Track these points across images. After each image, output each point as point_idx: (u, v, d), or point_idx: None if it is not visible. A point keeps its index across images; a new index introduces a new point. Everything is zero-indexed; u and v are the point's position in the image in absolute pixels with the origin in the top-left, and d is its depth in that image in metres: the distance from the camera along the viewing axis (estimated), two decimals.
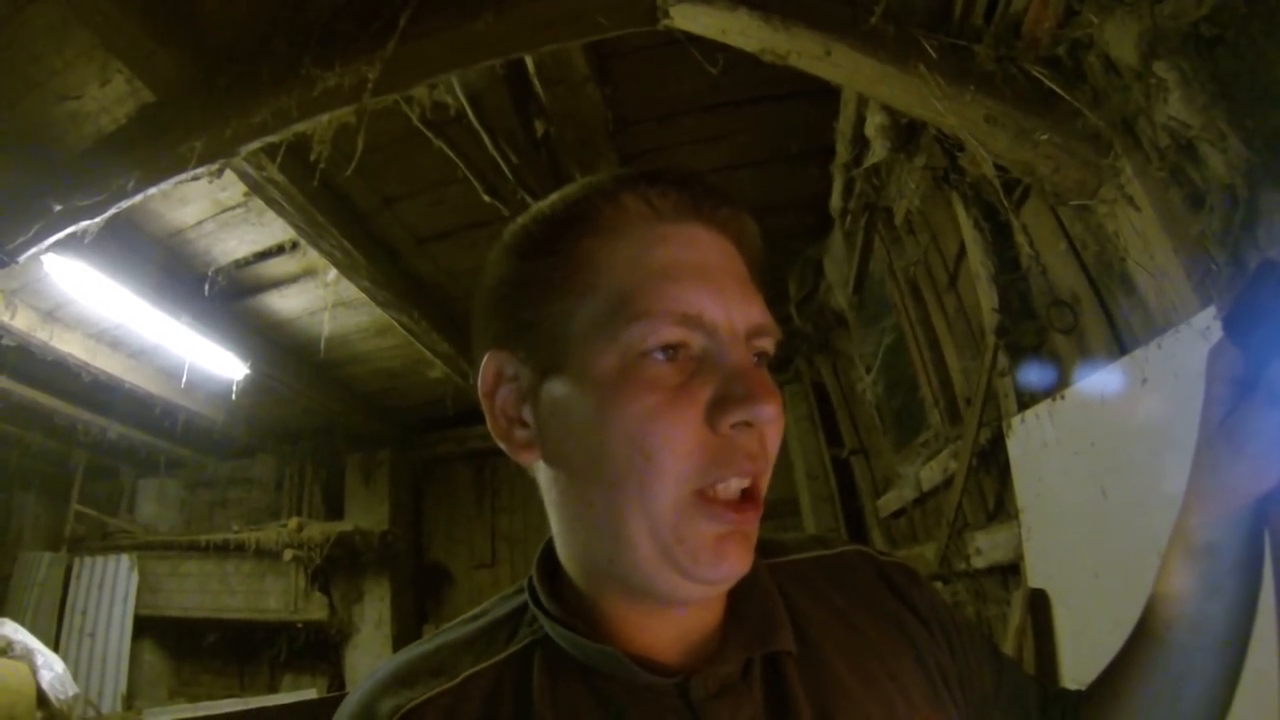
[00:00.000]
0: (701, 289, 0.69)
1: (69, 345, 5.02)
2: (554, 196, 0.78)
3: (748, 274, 0.76)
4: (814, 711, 0.72)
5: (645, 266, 0.70)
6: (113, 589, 7.09)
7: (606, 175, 0.77)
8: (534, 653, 0.75)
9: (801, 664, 0.76)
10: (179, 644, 7.49)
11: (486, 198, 3.59)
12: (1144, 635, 0.85)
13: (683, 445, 0.66)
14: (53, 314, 4.84)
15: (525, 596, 0.80)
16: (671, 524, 0.67)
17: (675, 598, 0.72)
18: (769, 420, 0.68)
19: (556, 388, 0.72)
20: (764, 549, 0.86)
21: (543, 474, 0.77)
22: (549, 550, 0.81)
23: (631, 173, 0.75)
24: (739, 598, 0.79)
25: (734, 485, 0.68)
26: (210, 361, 5.23)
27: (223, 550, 7.28)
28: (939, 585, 3.33)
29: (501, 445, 0.77)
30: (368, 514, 7.39)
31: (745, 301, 0.71)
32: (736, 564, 0.68)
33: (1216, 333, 1.54)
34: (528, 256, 0.75)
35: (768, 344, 0.73)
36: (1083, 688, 0.91)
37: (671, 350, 0.68)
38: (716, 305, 0.69)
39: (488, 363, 0.76)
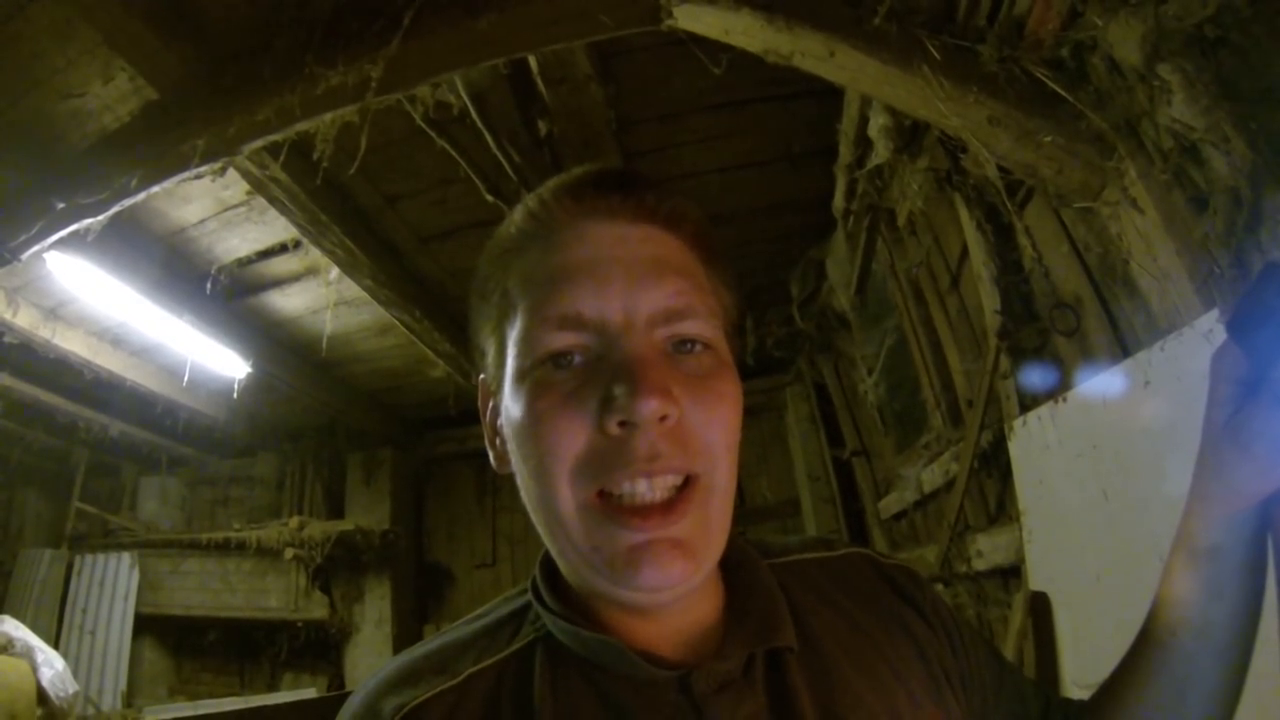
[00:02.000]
0: (579, 289, 0.69)
1: (71, 343, 5.03)
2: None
3: (667, 255, 0.74)
4: (816, 707, 0.72)
5: (536, 278, 0.73)
6: (113, 587, 7.08)
7: (526, 195, 0.80)
8: (536, 650, 0.75)
9: (804, 660, 0.76)
10: (179, 642, 7.48)
11: (489, 197, 3.59)
12: (1147, 640, 0.84)
13: (570, 450, 0.67)
14: (55, 312, 4.84)
15: (528, 597, 0.81)
16: (582, 531, 0.68)
17: (625, 602, 0.72)
18: (646, 417, 0.64)
19: (501, 404, 0.76)
20: (766, 549, 0.88)
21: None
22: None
23: (540, 189, 0.78)
24: (741, 593, 0.79)
25: (642, 489, 0.66)
26: (212, 360, 5.23)
27: (223, 549, 7.27)
28: (940, 588, 3.33)
29: (490, 458, 0.82)
30: (369, 513, 7.38)
31: (643, 288, 0.70)
32: (656, 573, 0.66)
33: (1219, 335, 1.54)
34: (472, 290, 0.82)
35: (690, 328, 0.71)
36: (1085, 695, 0.91)
37: (563, 357, 0.69)
38: (597, 302, 0.69)
39: (480, 386, 0.83)
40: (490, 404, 0.81)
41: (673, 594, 0.70)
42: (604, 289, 0.69)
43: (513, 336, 0.72)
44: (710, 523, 0.70)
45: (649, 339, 0.69)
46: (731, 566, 0.82)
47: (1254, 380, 0.72)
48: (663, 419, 0.66)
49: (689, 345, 0.71)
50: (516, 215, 0.78)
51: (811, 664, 0.76)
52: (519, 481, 0.75)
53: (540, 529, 0.74)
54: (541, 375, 0.69)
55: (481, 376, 0.83)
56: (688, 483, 0.68)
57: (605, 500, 0.67)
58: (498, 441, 0.80)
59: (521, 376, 0.70)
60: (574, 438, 0.67)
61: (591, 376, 0.68)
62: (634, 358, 0.67)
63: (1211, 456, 0.76)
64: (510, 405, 0.72)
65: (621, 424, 0.65)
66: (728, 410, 0.71)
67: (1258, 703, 0.86)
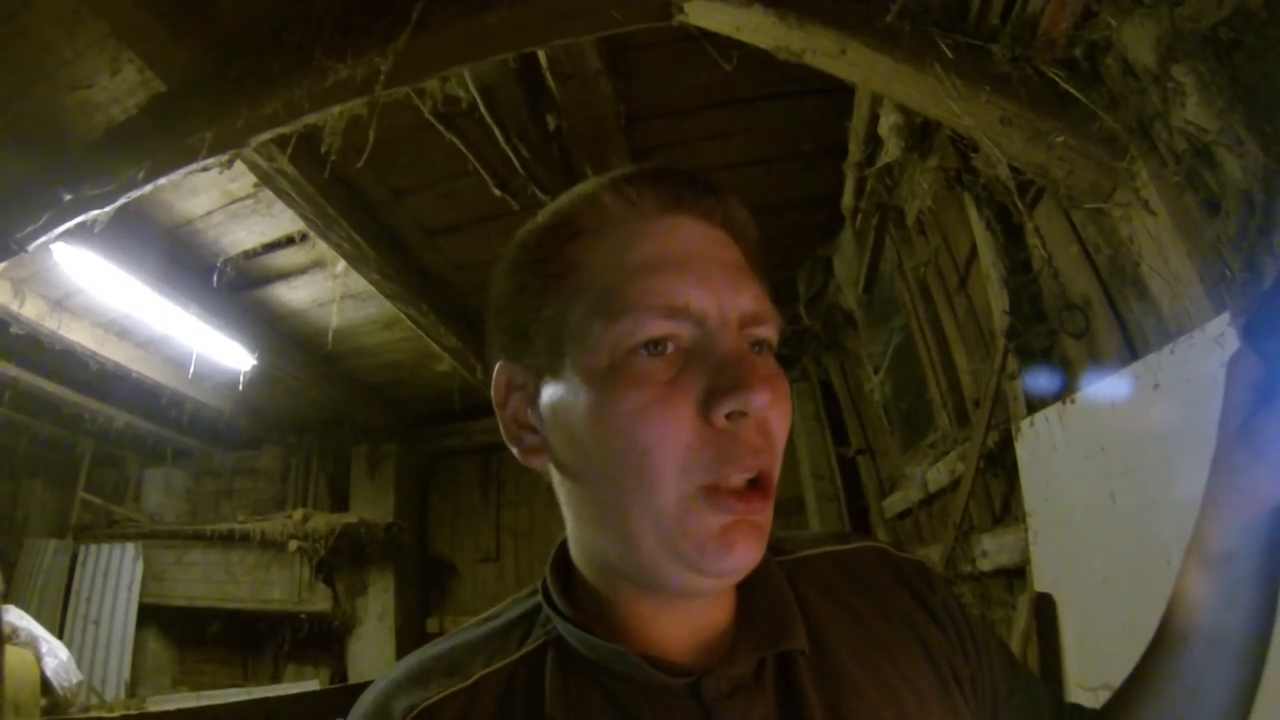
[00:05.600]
0: (684, 279, 0.69)
1: (77, 334, 5.04)
2: (546, 208, 0.80)
3: (740, 261, 0.75)
4: (826, 711, 0.72)
5: (628, 263, 0.71)
6: (118, 577, 7.12)
7: (591, 180, 0.78)
8: (546, 653, 0.75)
9: (814, 663, 0.75)
10: (183, 633, 7.51)
11: (497, 192, 3.59)
12: (1159, 646, 0.83)
13: (677, 440, 0.66)
14: (61, 303, 4.86)
15: (539, 598, 0.80)
16: (676, 518, 0.67)
17: (686, 591, 0.72)
18: (763, 407, 0.66)
19: (556, 391, 0.72)
20: (777, 547, 0.86)
21: (554, 476, 0.78)
22: (562, 552, 0.82)
23: (614, 173, 0.76)
24: (751, 596, 0.78)
25: (738, 477, 0.67)
26: (218, 352, 5.24)
27: (228, 540, 7.30)
28: None
29: (514, 452, 0.79)
30: (373, 506, 7.40)
31: (734, 289, 0.70)
32: (745, 554, 0.67)
33: (1230, 339, 1.54)
34: (521, 268, 0.77)
35: (765, 331, 0.72)
36: (1089, 698, 0.90)
37: (658, 345, 0.68)
38: (702, 294, 0.69)
39: (499, 374, 0.79)
40: (519, 394, 0.78)
41: (740, 577, 0.71)
42: (706, 283, 0.69)
43: (596, 320, 0.69)
44: (771, 513, 0.71)
45: (740, 336, 0.70)
46: None
47: (1269, 385, 0.71)
48: (767, 410, 0.67)
49: (759, 347, 0.72)
50: (603, 197, 0.75)
51: (821, 666, 0.76)
52: (572, 474, 0.74)
53: (600, 523, 0.73)
54: (634, 363, 0.68)
55: (500, 363, 0.79)
56: (761, 473, 0.69)
57: (704, 490, 0.67)
58: (526, 435, 0.77)
59: (608, 362, 0.68)
60: (680, 428, 0.66)
61: (688, 367, 0.68)
62: (736, 352, 0.68)
63: (1225, 461, 0.75)
64: (584, 392, 0.69)
65: (729, 415, 0.66)
66: (790, 410, 0.73)
67: (1272, 712, 0.85)
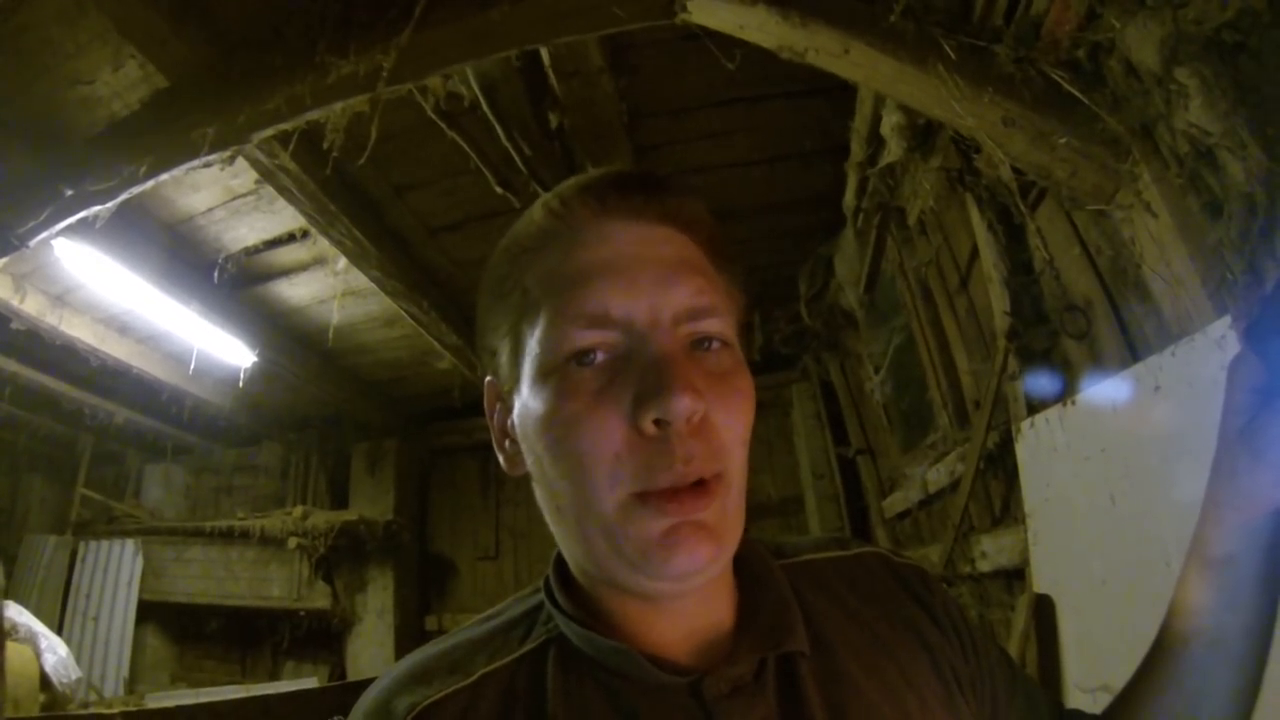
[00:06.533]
0: (607, 286, 0.70)
1: (78, 330, 5.04)
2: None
3: (682, 254, 0.75)
4: (827, 712, 0.72)
5: (560, 276, 0.72)
6: (117, 573, 7.12)
7: (542, 196, 0.80)
8: (548, 651, 0.76)
9: (815, 665, 0.76)
10: (182, 629, 7.51)
11: (499, 189, 3.58)
12: (1160, 650, 0.83)
13: (606, 450, 0.67)
14: (62, 298, 4.85)
15: (541, 596, 0.81)
16: (618, 523, 0.67)
17: (648, 594, 0.72)
18: (686, 413, 0.65)
19: (519, 403, 0.75)
20: (778, 550, 0.88)
21: (533, 484, 0.79)
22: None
23: (560, 187, 0.78)
24: (753, 597, 0.79)
25: (668, 483, 0.67)
26: (218, 348, 5.24)
27: (227, 537, 7.30)
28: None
29: (500, 460, 0.81)
30: (372, 503, 7.39)
31: (666, 287, 0.70)
32: (689, 558, 0.66)
33: (1231, 342, 1.54)
34: (485, 289, 0.81)
35: (710, 325, 0.72)
36: (1087, 699, 0.90)
37: (586, 355, 0.69)
38: (626, 299, 0.69)
39: (488, 387, 0.83)
40: (499, 406, 0.81)
41: (698, 580, 0.70)
42: (631, 287, 0.70)
43: (534, 335, 0.71)
44: (729, 511, 0.70)
45: (673, 336, 0.70)
46: (744, 568, 0.82)
47: (1270, 388, 0.71)
48: (692, 416, 0.66)
49: (708, 343, 0.72)
50: (536, 214, 0.77)
51: (822, 668, 0.76)
52: (537, 481, 0.76)
53: (564, 528, 0.75)
54: (567, 374, 0.69)
55: (489, 379, 0.82)
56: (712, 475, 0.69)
57: (638, 497, 0.67)
58: (507, 444, 0.80)
59: (545, 375, 0.70)
60: (609, 436, 0.67)
61: (619, 374, 0.68)
62: (663, 356, 0.68)
63: (1226, 464, 0.75)
64: (531, 405, 0.71)
65: (656, 422, 0.65)
66: (745, 407, 0.72)
67: (1273, 716, 0.85)
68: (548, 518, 0.77)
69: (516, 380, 0.75)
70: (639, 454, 0.66)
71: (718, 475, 0.68)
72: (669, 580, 0.69)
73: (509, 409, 0.78)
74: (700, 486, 0.67)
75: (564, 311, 0.69)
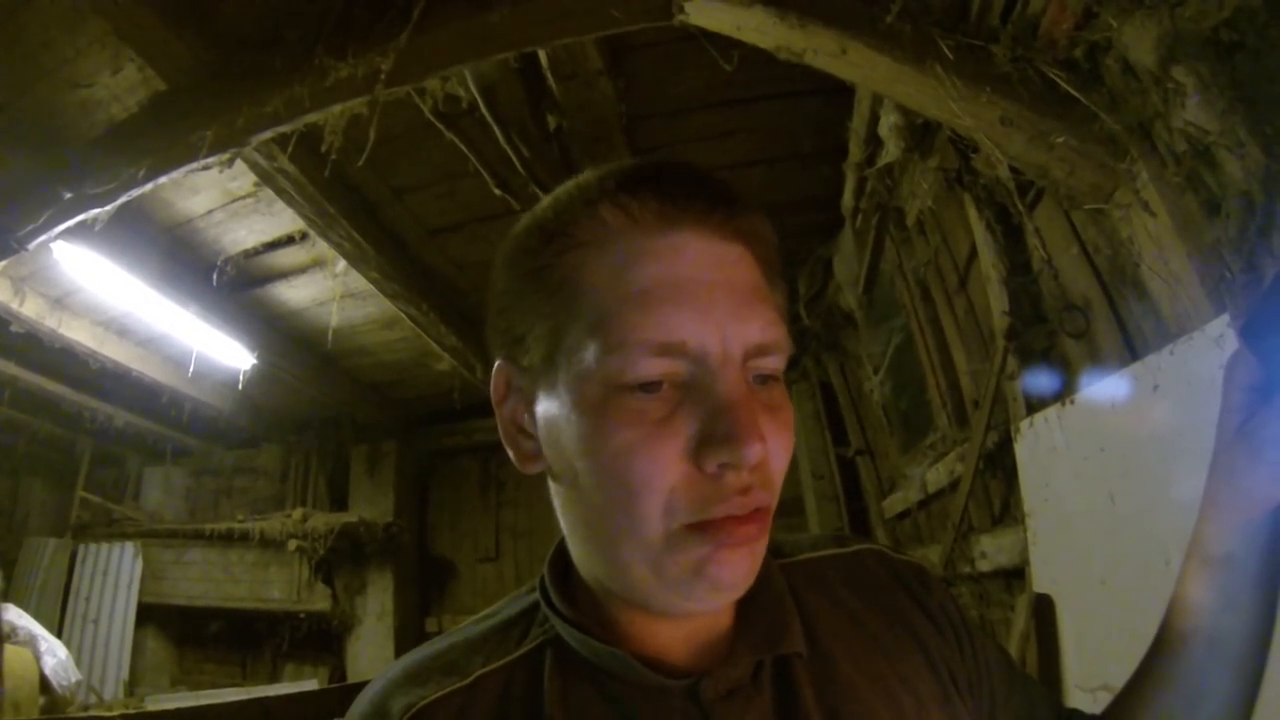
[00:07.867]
0: (683, 312, 0.65)
1: (77, 333, 5.04)
2: (548, 199, 0.76)
3: (753, 279, 0.71)
4: (823, 714, 0.72)
5: (623, 288, 0.66)
6: (117, 576, 7.12)
7: (594, 177, 0.73)
8: (545, 653, 0.75)
9: (811, 666, 0.75)
10: (182, 632, 7.52)
11: (498, 191, 3.58)
12: (1159, 649, 0.83)
13: (664, 482, 0.64)
14: (61, 301, 4.86)
15: (537, 596, 0.80)
16: (663, 549, 0.65)
17: (677, 614, 0.72)
18: (752, 463, 0.63)
19: (549, 406, 0.70)
20: (777, 549, 0.86)
21: (550, 484, 0.76)
22: (561, 550, 0.81)
23: (617, 176, 0.71)
24: (750, 599, 0.77)
25: (724, 515, 0.65)
26: (217, 351, 5.24)
27: (227, 539, 7.31)
28: None
29: (511, 455, 0.77)
30: (372, 505, 7.40)
31: (741, 319, 0.66)
32: (730, 573, 0.66)
33: (1230, 340, 1.54)
34: (518, 269, 0.74)
35: (772, 363, 0.69)
36: (1087, 699, 0.90)
37: (652, 385, 0.65)
38: (702, 330, 0.65)
39: (497, 372, 0.77)
40: (514, 396, 0.76)
41: (735, 596, 0.69)
42: (706, 316, 0.65)
43: (590, 348, 0.66)
44: (767, 529, 0.69)
45: (742, 374, 0.67)
46: None
47: (1267, 387, 0.71)
48: (758, 463, 0.65)
49: (766, 380, 0.70)
50: (602, 207, 0.70)
51: (819, 670, 0.75)
52: (564, 490, 0.73)
53: (592, 546, 0.73)
54: (626, 401, 0.65)
55: (499, 362, 0.76)
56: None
57: (689, 528, 0.65)
58: (521, 440, 0.75)
59: (600, 394, 0.65)
60: (666, 470, 0.64)
61: (681, 406, 0.65)
62: (734, 398, 0.65)
63: (1224, 463, 0.75)
64: (573, 417, 0.67)
65: (721, 465, 0.63)
66: (792, 440, 0.71)
67: (1272, 716, 0.85)
68: (566, 524, 0.76)
69: (551, 380, 0.70)
70: (695, 488, 0.64)
71: (765, 509, 0.67)
72: (709, 601, 0.68)
73: (528, 401, 0.74)
74: (752, 517, 0.66)
75: (632, 334, 0.64)
